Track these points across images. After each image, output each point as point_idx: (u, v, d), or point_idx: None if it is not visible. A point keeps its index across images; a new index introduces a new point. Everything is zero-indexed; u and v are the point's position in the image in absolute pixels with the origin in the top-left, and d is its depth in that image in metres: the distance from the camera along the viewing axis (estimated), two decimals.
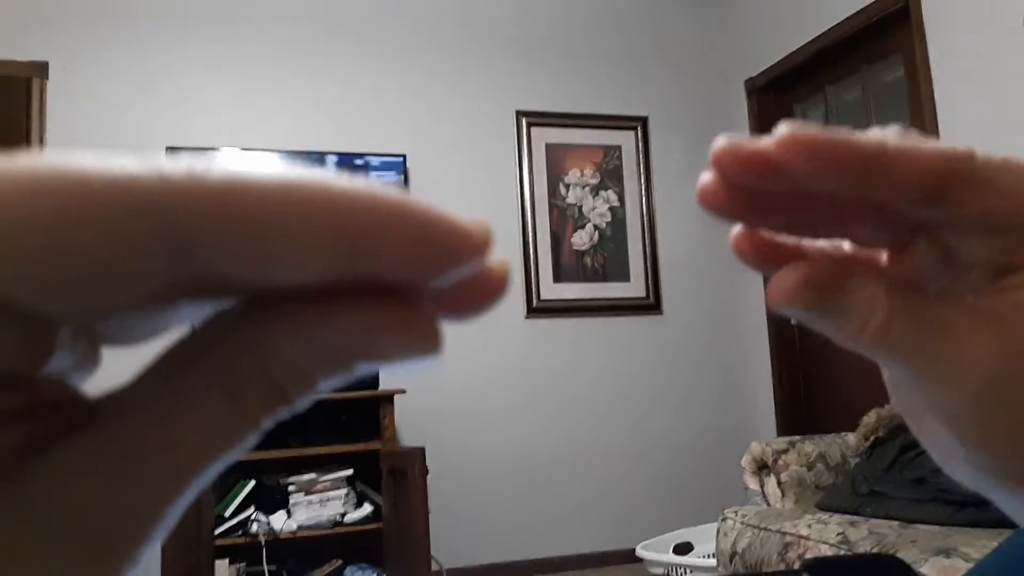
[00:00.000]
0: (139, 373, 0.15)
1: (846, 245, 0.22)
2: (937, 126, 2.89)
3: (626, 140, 3.95)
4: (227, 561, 2.78)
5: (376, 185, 0.14)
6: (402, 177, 3.44)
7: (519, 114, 3.80)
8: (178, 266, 0.13)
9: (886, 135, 0.19)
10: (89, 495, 0.14)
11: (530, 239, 3.74)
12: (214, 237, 0.13)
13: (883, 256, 0.23)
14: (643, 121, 3.98)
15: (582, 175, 3.87)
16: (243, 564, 2.82)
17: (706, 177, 0.21)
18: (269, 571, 2.81)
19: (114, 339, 0.16)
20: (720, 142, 0.20)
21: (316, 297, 0.15)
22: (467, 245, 0.14)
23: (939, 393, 0.21)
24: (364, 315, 0.15)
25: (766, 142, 0.20)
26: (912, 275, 0.22)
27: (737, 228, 0.22)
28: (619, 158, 3.94)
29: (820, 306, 0.20)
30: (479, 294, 0.16)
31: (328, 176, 0.14)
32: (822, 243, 0.22)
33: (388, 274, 0.14)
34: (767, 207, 0.21)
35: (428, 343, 0.15)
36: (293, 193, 0.13)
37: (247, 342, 0.15)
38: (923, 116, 2.93)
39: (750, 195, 0.21)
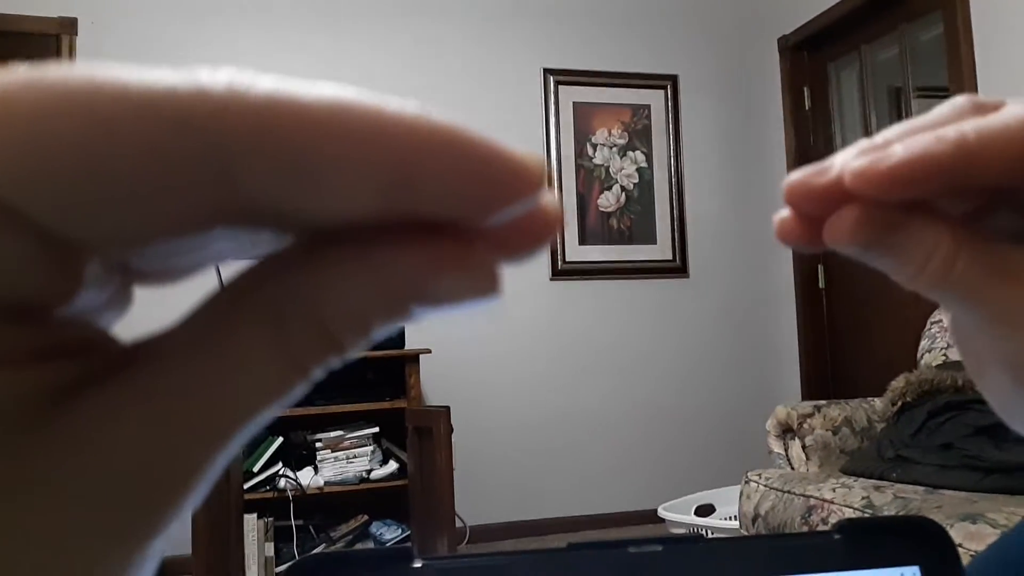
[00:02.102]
0: (182, 318, 0.14)
1: None
2: (976, 87, 2.82)
3: (655, 99, 3.90)
4: (255, 515, 2.83)
5: (432, 111, 0.13)
6: None
7: (546, 72, 3.76)
8: (217, 188, 0.12)
9: (962, 126, 0.18)
10: (124, 444, 0.13)
11: (556, 200, 3.71)
12: (254, 159, 0.12)
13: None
14: (673, 80, 3.92)
15: (610, 135, 3.83)
16: (271, 518, 2.88)
17: (782, 215, 0.21)
18: (296, 526, 2.86)
19: (147, 275, 0.15)
20: (790, 180, 0.20)
21: (371, 238, 0.14)
22: (525, 181, 0.14)
23: (1006, 339, 0.21)
24: (422, 254, 0.14)
25: (838, 176, 0.19)
26: (979, 228, 0.21)
27: (782, 215, 0.21)
28: (648, 117, 3.89)
29: (881, 243, 0.20)
30: (532, 233, 0.15)
31: (380, 98, 0.13)
32: None
33: (441, 210, 0.13)
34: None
35: (488, 284, 0.14)
36: (341, 116, 0.12)
37: (298, 286, 0.14)
38: (962, 77, 2.86)
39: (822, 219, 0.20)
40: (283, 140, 0.12)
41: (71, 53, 3.24)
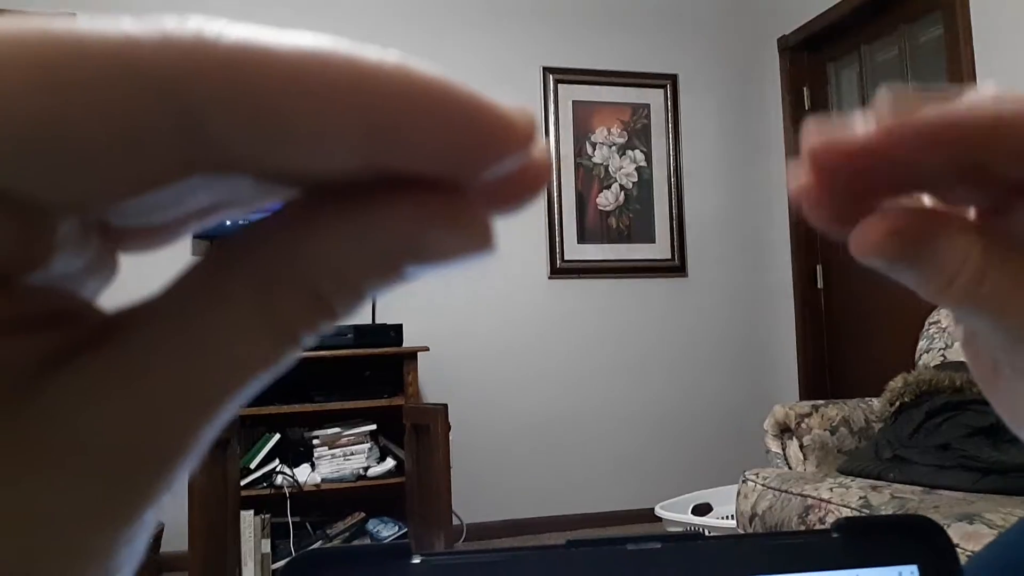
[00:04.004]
0: (166, 285, 0.14)
1: (927, 200, 0.21)
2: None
3: (655, 98, 3.90)
4: (252, 512, 2.83)
5: (412, 62, 0.12)
6: None
7: (546, 70, 3.76)
8: (186, 144, 0.12)
9: (996, 98, 0.18)
10: (109, 417, 0.12)
11: (555, 199, 3.72)
12: (224, 113, 0.11)
13: (971, 213, 0.21)
14: (673, 79, 3.91)
15: (609, 134, 3.83)
16: (268, 515, 2.88)
17: (801, 175, 0.20)
18: (293, 523, 2.86)
19: (128, 236, 0.14)
20: (813, 135, 0.19)
21: (359, 197, 0.13)
22: (514, 135, 0.13)
23: None
24: (413, 209, 0.13)
25: (867, 130, 0.18)
26: (1006, 232, 0.20)
27: (803, 179, 0.20)
28: (647, 117, 3.89)
29: (909, 256, 0.19)
30: (522, 185, 0.14)
31: (358, 48, 0.12)
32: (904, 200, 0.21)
33: (425, 167, 0.13)
34: (861, 190, 0.20)
35: (481, 237, 0.14)
36: (316, 67, 0.12)
37: (286, 251, 0.13)
38: (962, 78, 2.86)
39: (845, 183, 0.19)
40: (254, 93, 0.11)
41: None
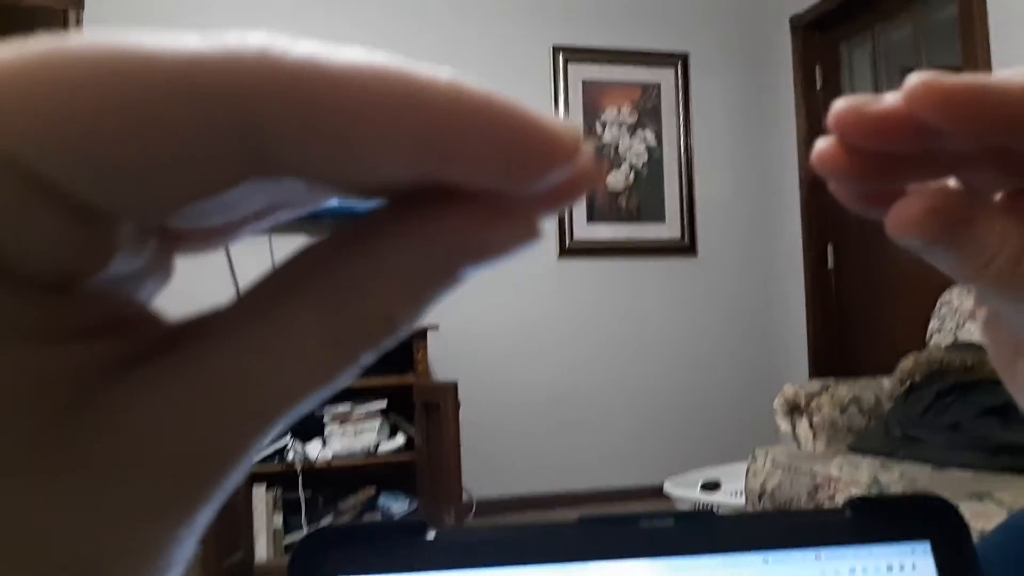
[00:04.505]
0: (233, 299, 0.14)
1: (953, 183, 0.21)
2: (990, 68, 2.78)
3: (665, 78, 3.86)
4: (264, 487, 2.86)
5: (463, 79, 0.13)
6: None
7: (555, 49, 3.73)
8: (248, 156, 0.12)
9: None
10: (170, 424, 0.13)
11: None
12: (287, 129, 0.12)
13: (999, 196, 0.21)
14: (683, 58, 3.88)
15: (619, 113, 3.81)
16: (279, 490, 2.91)
17: (825, 142, 0.19)
18: (304, 498, 2.89)
19: (183, 239, 0.15)
20: (841, 104, 0.19)
21: (414, 206, 0.14)
22: (561, 151, 0.13)
23: None
24: (468, 215, 0.14)
25: (895, 100, 0.18)
26: None
27: (829, 149, 0.20)
28: (657, 96, 3.86)
29: (948, 237, 0.19)
30: (567, 192, 0.15)
31: (412, 66, 0.13)
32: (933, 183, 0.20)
33: (477, 180, 0.13)
34: (886, 165, 0.20)
35: (531, 232, 0.14)
36: (376, 85, 0.12)
37: (351, 269, 0.14)
38: (976, 57, 2.83)
39: (870, 156, 0.19)
40: (316, 111, 0.12)
41: (79, 26, 3.23)
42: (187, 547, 0.14)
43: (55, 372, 0.13)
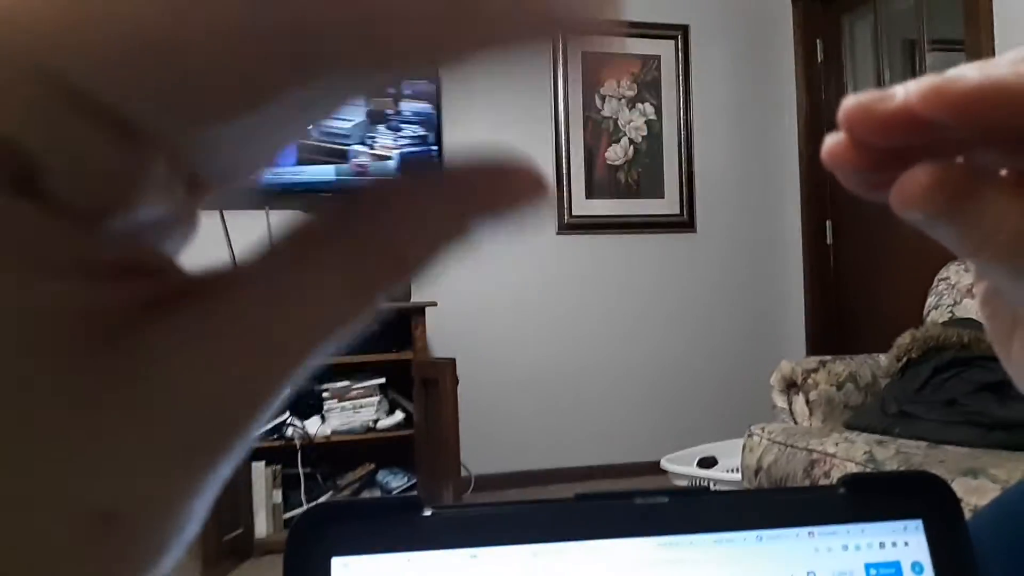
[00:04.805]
0: (255, 248, 0.15)
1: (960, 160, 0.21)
2: (993, 40, 2.76)
3: (665, 50, 3.84)
4: (263, 463, 2.88)
5: None
6: (433, 86, 3.39)
7: None
8: (297, 55, 0.13)
9: None
10: (199, 365, 0.13)
11: (563, 153, 3.69)
12: (339, 28, 0.12)
13: (1003, 173, 0.21)
14: (684, 30, 3.85)
15: (619, 86, 3.78)
16: (279, 466, 2.92)
17: (834, 138, 0.20)
18: (304, 474, 2.91)
19: (209, 184, 0.15)
20: (850, 101, 0.19)
21: (432, 172, 0.15)
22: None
23: None
24: (487, 175, 0.15)
25: (904, 98, 0.18)
26: None
27: (836, 140, 0.20)
28: (657, 69, 3.83)
29: (951, 210, 0.19)
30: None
31: None
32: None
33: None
34: (894, 155, 0.20)
35: (540, 186, 0.16)
36: None
37: (373, 215, 0.14)
38: (979, 30, 2.81)
39: (879, 149, 0.20)
40: (380, 23, 0.12)
41: None
42: (207, 501, 0.14)
43: (92, 308, 0.13)
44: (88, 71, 0.12)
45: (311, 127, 0.16)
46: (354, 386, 3.03)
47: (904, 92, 0.19)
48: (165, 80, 0.12)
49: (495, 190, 0.15)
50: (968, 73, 0.18)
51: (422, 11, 0.13)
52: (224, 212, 2.79)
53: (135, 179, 0.13)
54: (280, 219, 3.14)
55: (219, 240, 2.77)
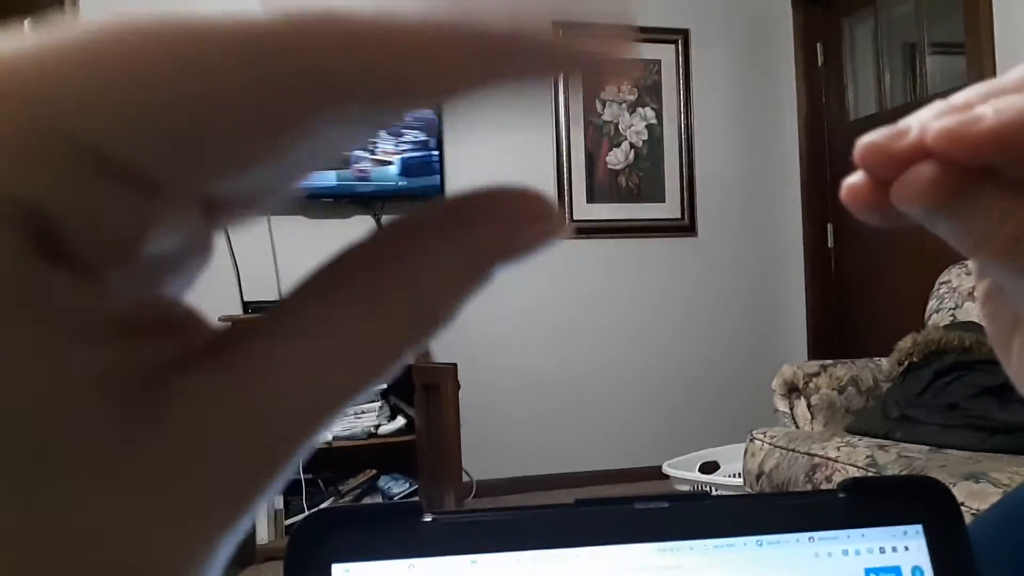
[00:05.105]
0: (276, 302, 0.14)
1: None
2: (993, 43, 2.77)
3: (666, 54, 3.84)
4: None
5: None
6: None
7: (555, 25, 3.70)
8: (309, 115, 0.13)
9: None
10: (224, 425, 0.13)
11: (564, 157, 3.69)
12: (354, 77, 0.12)
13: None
14: (684, 34, 3.85)
15: (619, 91, 3.79)
16: None
17: (855, 179, 0.20)
18: (305, 479, 2.91)
19: (227, 210, 0.15)
20: (866, 141, 0.20)
21: (449, 214, 0.15)
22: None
23: None
24: (502, 216, 0.15)
25: (919, 136, 0.19)
26: None
27: (856, 180, 0.21)
28: (658, 73, 3.84)
29: (951, 206, 0.19)
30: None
31: (470, 9, 0.13)
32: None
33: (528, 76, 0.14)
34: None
35: (559, 227, 0.15)
36: (442, 30, 0.13)
37: (394, 265, 0.14)
38: (979, 33, 2.81)
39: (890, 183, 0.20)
40: (386, 58, 0.12)
41: (75, 7, 3.20)
42: (226, 554, 0.14)
43: (106, 372, 0.12)
44: (107, 130, 0.12)
45: (330, 157, 0.16)
46: None
47: (918, 128, 0.19)
48: (183, 135, 0.12)
49: (517, 231, 0.15)
50: (984, 113, 0.18)
51: (441, 56, 0.13)
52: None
53: (151, 228, 0.13)
54: (280, 224, 3.16)
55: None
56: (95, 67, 0.11)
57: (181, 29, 0.12)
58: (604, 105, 3.78)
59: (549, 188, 3.65)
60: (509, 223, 0.15)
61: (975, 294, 0.27)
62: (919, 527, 0.29)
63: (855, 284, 3.67)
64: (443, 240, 0.14)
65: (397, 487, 3.09)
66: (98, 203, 0.12)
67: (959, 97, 0.20)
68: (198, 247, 0.15)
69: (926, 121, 0.19)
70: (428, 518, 0.30)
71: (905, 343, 2.29)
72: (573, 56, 0.15)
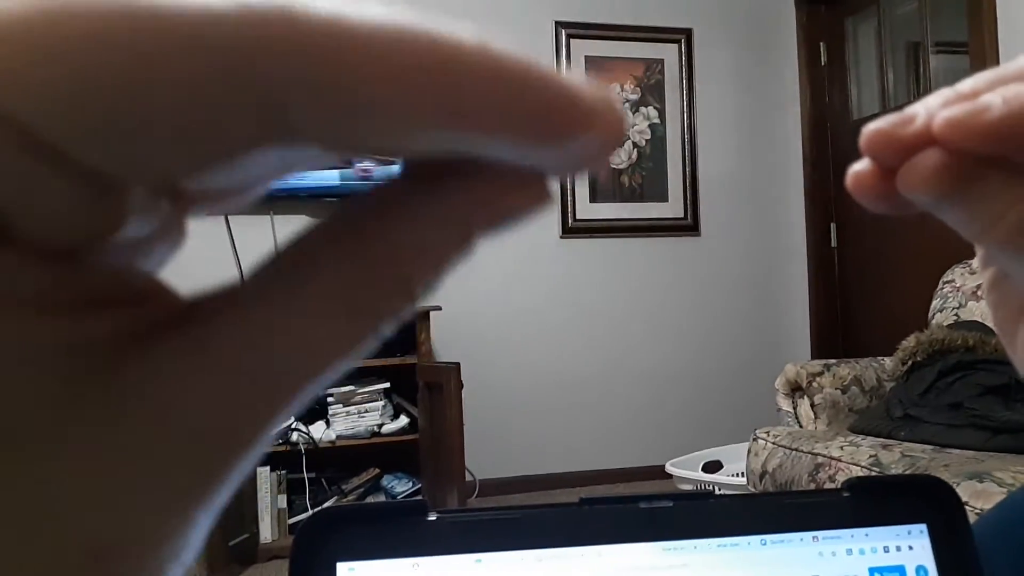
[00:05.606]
0: (249, 272, 0.14)
1: None
2: (997, 42, 2.76)
3: (669, 53, 3.84)
4: (268, 468, 2.88)
5: (490, 40, 0.12)
6: None
7: (558, 25, 3.70)
8: (265, 121, 0.12)
9: None
10: (187, 401, 0.13)
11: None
12: (308, 93, 0.11)
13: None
14: (687, 33, 3.85)
15: (622, 90, 3.79)
16: (284, 471, 2.92)
17: (859, 167, 0.20)
18: (309, 478, 2.91)
19: (196, 199, 0.14)
20: (872, 128, 0.19)
21: (432, 175, 0.14)
22: (592, 121, 0.13)
23: None
24: (483, 181, 0.14)
25: (925, 123, 0.19)
26: None
27: (861, 168, 0.20)
28: (661, 72, 3.83)
29: (957, 193, 0.19)
30: (589, 161, 0.14)
31: (433, 23, 0.12)
32: None
33: (501, 148, 0.13)
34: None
35: (544, 197, 0.14)
36: (400, 47, 0.12)
37: (371, 234, 0.14)
38: (983, 31, 2.80)
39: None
40: (341, 75, 0.11)
41: None
42: (202, 529, 0.13)
43: (69, 344, 0.12)
44: (36, 113, 0.11)
45: (300, 169, 0.15)
46: (359, 391, 3.03)
47: (925, 114, 0.19)
48: (117, 132, 0.11)
49: (499, 196, 0.14)
50: (992, 102, 0.18)
51: (412, 93, 0.12)
52: (227, 218, 2.79)
53: (109, 213, 0.12)
54: (283, 224, 3.16)
55: (225, 247, 2.78)
56: (27, 45, 0.11)
57: (130, 11, 0.11)
58: None
59: (551, 187, 3.64)
60: (490, 190, 0.14)
61: (982, 281, 0.27)
62: (923, 526, 0.30)
63: (858, 283, 3.67)
64: (420, 208, 0.14)
65: (400, 486, 3.10)
66: (30, 187, 0.11)
67: (966, 84, 0.20)
68: (167, 232, 0.14)
69: (933, 109, 0.19)
70: (432, 517, 0.30)
71: (909, 342, 2.29)
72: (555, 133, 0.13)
